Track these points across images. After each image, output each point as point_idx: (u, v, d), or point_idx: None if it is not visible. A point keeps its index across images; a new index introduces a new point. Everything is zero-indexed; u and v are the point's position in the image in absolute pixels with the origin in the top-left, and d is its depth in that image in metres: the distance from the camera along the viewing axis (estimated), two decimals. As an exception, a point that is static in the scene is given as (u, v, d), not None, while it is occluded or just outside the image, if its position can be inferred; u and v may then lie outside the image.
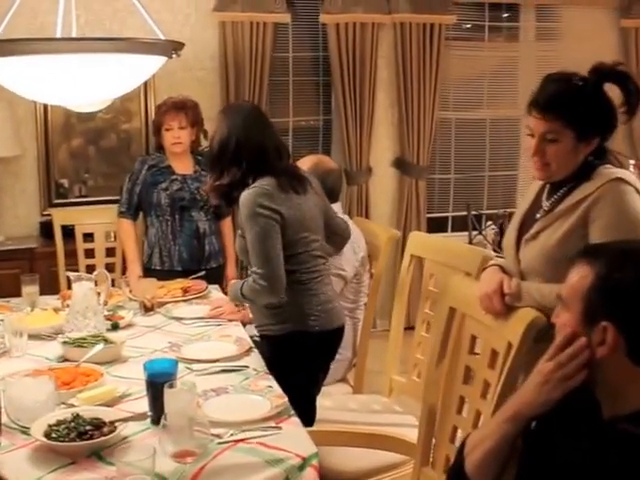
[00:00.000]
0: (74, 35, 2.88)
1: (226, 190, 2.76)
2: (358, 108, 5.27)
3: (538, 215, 2.20)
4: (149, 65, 2.73)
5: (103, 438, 1.90)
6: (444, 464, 2.13)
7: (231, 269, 3.85)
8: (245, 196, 2.67)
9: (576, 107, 2.07)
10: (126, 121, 5.07)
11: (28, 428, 1.96)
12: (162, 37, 2.82)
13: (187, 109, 3.70)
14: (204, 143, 3.79)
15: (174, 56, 2.74)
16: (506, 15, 5.88)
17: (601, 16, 5.80)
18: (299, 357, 2.73)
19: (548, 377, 1.49)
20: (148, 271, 3.64)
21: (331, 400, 2.99)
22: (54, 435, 1.90)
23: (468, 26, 5.76)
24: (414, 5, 5.28)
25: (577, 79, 2.11)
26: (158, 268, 3.67)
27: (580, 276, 1.49)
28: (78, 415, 1.98)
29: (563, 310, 1.53)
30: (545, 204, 2.20)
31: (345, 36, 5.19)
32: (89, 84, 2.62)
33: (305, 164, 3.29)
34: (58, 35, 2.60)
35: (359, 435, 2.52)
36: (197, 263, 3.68)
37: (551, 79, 2.15)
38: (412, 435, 2.42)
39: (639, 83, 2.13)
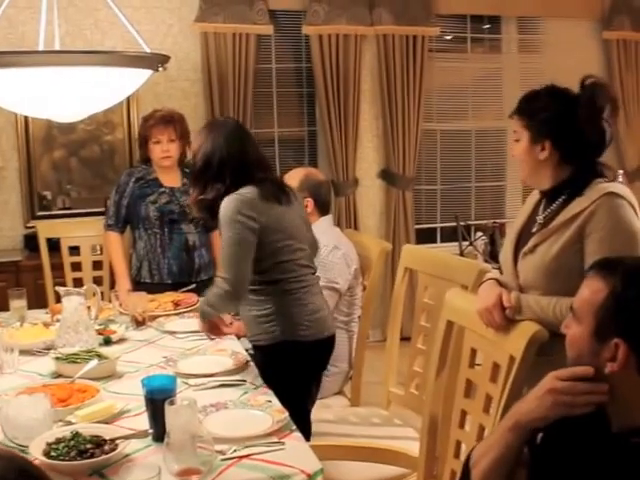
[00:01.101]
0: (57, 46, 2.85)
1: (209, 204, 2.75)
2: (343, 120, 5.27)
3: (534, 229, 2.21)
4: (135, 79, 2.71)
5: (105, 456, 1.85)
6: (450, 479, 2.12)
7: (222, 282, 3.82)
8: (226, 202, 2.66)
9: (535, 109, 2.17)
10: (109, 132, 5.02)
11: (26, 447, 1.91)
12: (145, 48, 2.81)
13: (175, 122, 3.67)
14: (190, 156, 3.76)
15: (160, 69, 2.73)
16: (487, 27, 5.91)
17: (583, 28, 5.85)
18: (290, 367, 2.71)
19: (554, 395, 1.47)
20: (137, 284, 3.61)
21: (331, 413, 2.98)
22: (54, 454, 1.86)
23: (449, 38, 5.79)
24: (397, 17, 5.30)
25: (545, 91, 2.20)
26: (148, 281, 3.63)
27: (593, 290, 1.48)
28: (77, 433, 1.93)
29: (574, 322, 1.53)
30: (539, 218, 2.22)
31: (328, 48, 5.19)
32: (74, 97, 2.59)
33: (294, 177, 3.28)
34: (40, 46, 2.57)
35: (361, 449, 2.52)
36: (187, 276, 3.64)
37: None
38: (413, 448, 2.42)
39: (623, 93, 2.18)
